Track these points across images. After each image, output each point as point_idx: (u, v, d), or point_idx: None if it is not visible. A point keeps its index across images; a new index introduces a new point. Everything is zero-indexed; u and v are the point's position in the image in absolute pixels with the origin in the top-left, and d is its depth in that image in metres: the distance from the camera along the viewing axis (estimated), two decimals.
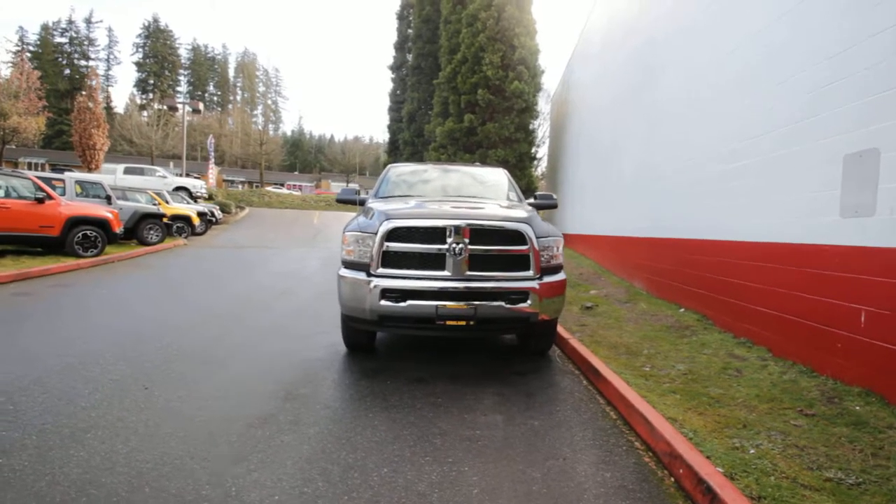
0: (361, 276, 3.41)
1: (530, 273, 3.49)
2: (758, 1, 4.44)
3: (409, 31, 21.67)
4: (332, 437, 2.51)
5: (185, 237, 13.80)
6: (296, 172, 68.74)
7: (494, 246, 3.41)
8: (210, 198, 20.80)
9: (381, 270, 3.37)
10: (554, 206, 4.91)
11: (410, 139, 19.03)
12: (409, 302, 3.28)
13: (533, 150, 15.88)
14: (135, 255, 10.20)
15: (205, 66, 73.30)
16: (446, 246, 3.32)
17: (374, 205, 4.09)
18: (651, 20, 7.34)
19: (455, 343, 4.45)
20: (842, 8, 3.33)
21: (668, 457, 2.27)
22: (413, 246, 3.36)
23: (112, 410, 2.68)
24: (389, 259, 3.38)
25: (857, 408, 2.73)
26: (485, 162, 14.70)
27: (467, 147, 15.23)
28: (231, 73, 76.64)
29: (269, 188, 46.79)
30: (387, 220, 3.37)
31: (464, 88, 14.96)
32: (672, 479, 2.20)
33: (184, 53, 71.14)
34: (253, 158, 52.80)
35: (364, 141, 75.76)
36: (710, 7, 5.43)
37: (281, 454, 2.29)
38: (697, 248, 5.22)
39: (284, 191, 49.79)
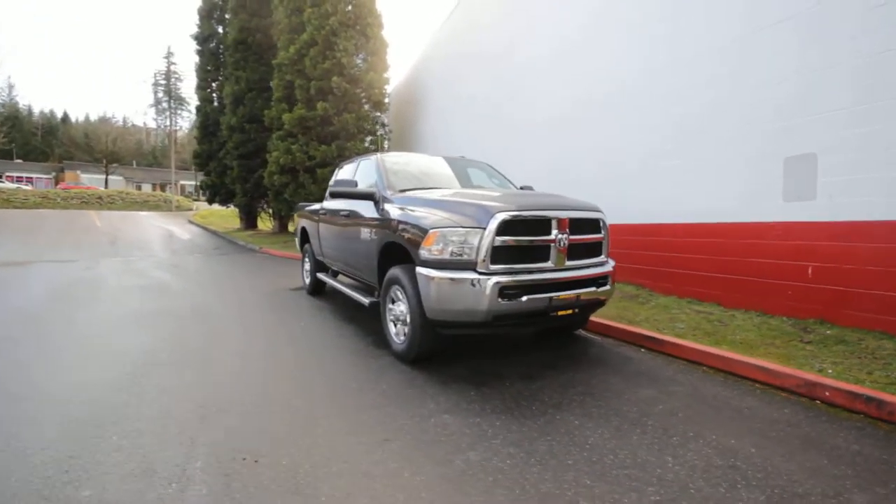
0: (468, 274, 3.13)
1: (604, 258, 3.79)
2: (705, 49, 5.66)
3: None
4: None
5: None
6: (18, 160, 51.16)
7: (585, 235, 3.57)
8: None
9: (492, 267, 3.15)
10: None
11: (239, 124, 16.45)
12: (527, 297, 3.18)
13: (387, 145, 15.86)
14: None
15: None
16: (552, 237, 3.33)
17: (421, 195, 3.76)
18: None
19: (477, 344, 4.38)
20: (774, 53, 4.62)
21: (805, 386, 2.92)
22: (523, 239, 3.25)
23: None
24: (499, 254, 3.19)
25: (828, 332, 3.96)
26: (343, 154, 14.04)
27: (322, 137, 14.21)
28: None
29: None
30: (498, 212, 3.16)
31: (314, 74, 13.84)
32: (820, 402, 2.84)
33: None
34: None
35: (115, 123, 61.41)
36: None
37: None
38: (636, 231, 6.34)
39: (9, 185, 36.93)
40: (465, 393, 3.02)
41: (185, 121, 48.38)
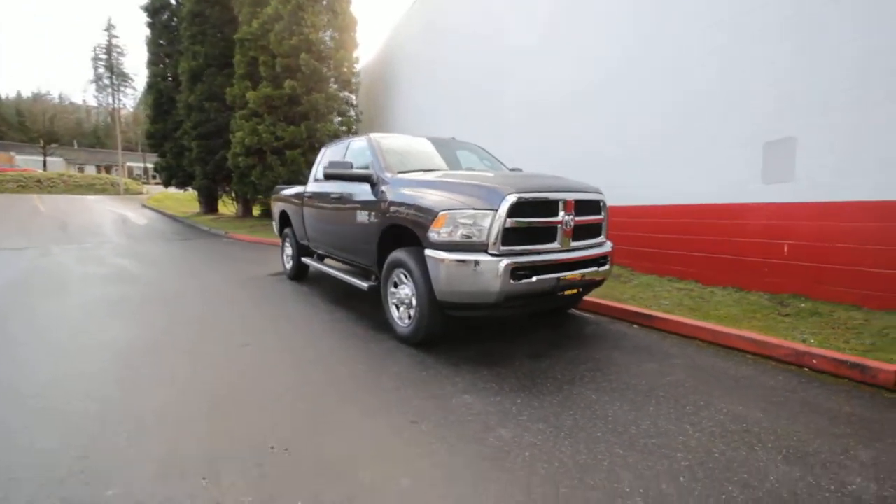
0: (480, 256, 3.13)
1: (603, 238, 3.89)
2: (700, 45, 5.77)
3: None
4: None
5: None
6: None
7: (588, 216, 3.64)
8: None
9: (502, 249, 3.17)
10: None
11: (197, 102, 15.52)
12: (537, 277, 3.23)
13: (354, 129, 15.46)
14: None
15: None
16: (559, 218, 3.38)
17: (422, 177, 3.74)
18: None
19: (476, 326, 4.40)
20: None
21: (794, 355, 3.14)
22: (532, 220, 3.27)
23: None
24: (509, 236, 3.20)
25: (802, 305, 4.25)
26: (313, 135, 13.60)
27: (290, 117, 13.68)
28: None
29: None
30: (509, 194, 3.16)
31: (280, 50, 13.21)
32: (808, 369, 3.06)
33: None
34: None
35: (51, 100, 56.64)
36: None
37: None
38: (619, 213, 6.51)
39: None
40: (478, 373, 3.05)
41: (130, 98, 45.16)
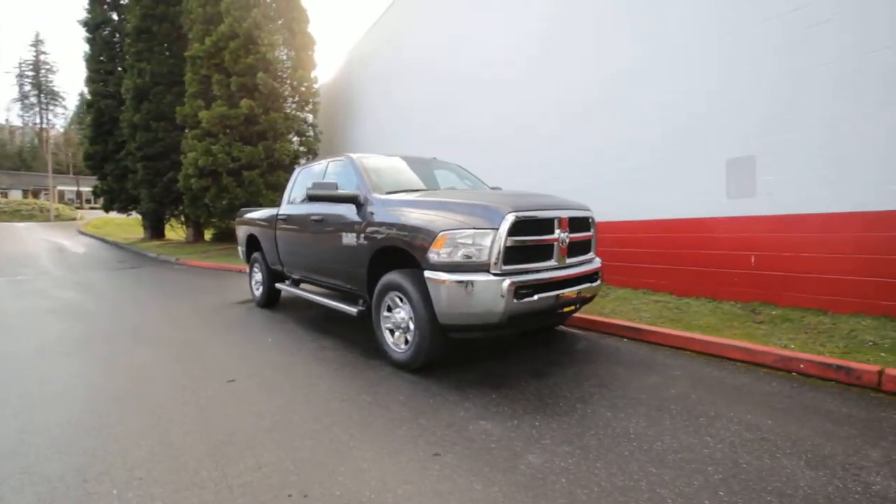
0: (483, 276, 3.10)
1: (593, 255, 3.97)
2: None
3: None
4: None
5: None
6: None
7: (580, 233, 3.70)
8: None
9: (504, 268, 3.15)
10: None
11: (143, 122, 14.68)
12: (538, 296, 3.23)
13: (316, 149, 15.19)
14: None
15: None
16: (555, 236, 3.41)
17: (414, 197, 3.66)
18: None
19: (470, 349, 4.35)
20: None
21: (781, 361, 3.29)
22: (531, 239, 3.28)
23: None
24: (509, 255, 3.19)
25: (773, 312, 4.50)
26: (272, 156, 13.22)
27: (246, 138, 13.23)
28: None
29: None
30: (509, 213, 3.16)
31: (236, 69, 12.84)
32: (796, 374, 3.21)
33: None
34: None
35: None
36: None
37: None
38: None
39: None
40: (487, 396, 2.98)
41: (60, 118, 42.17)
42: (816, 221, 4.34)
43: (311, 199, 4.13)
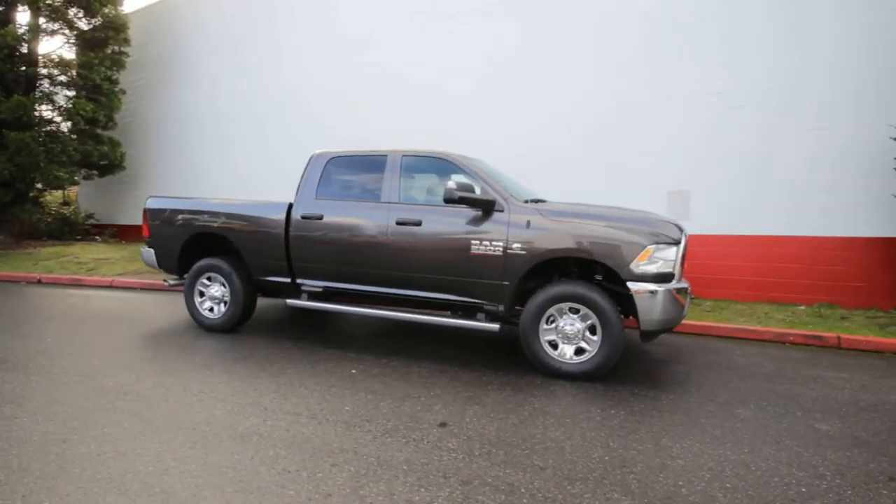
0: (680, 284, 3.55)
1: None
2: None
3: None
4: None
5: None
6: None
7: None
8: None
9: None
10: None
11: None
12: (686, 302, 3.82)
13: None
14: None
15: None
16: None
17: (577, 209, 3.78)
18: None
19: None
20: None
21: (777, 336, 4.81)
22: (684, 252, 3.84)
23: None
24: None
25: (707, 303, 6.29)
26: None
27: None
28: None
29: None
30: (681, 228, 3.65)
31: None
32: (787, 343, 4.75)
33: None
34: None
35: None
36: None
37: None
38: None
39: None
40: (658, 399, 3.39)
41: None
42: (729, 239, 6.35)
43: (454, 201, 3.57)
